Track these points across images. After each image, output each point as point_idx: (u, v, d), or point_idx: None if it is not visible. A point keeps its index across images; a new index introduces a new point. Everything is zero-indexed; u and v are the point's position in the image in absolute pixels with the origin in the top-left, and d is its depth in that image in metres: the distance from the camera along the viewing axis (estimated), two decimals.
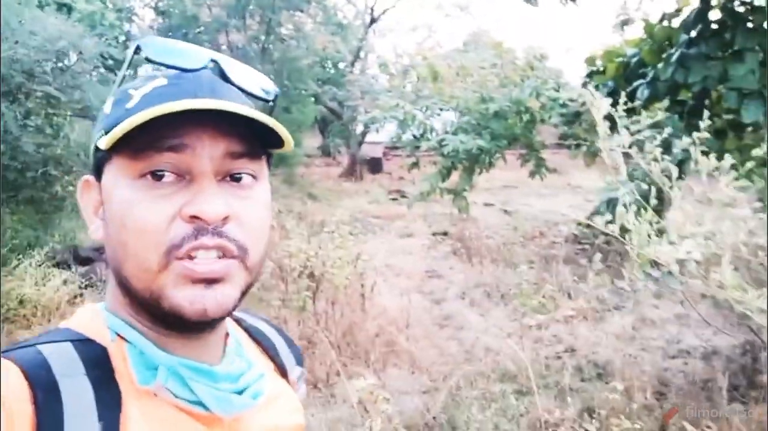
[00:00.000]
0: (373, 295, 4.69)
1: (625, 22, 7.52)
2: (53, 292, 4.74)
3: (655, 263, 2.24)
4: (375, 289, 4.74)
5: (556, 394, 3.46)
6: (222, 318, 0.58)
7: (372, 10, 16.38)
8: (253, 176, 0.59)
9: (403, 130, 8.74)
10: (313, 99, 14.81)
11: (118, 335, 0.59)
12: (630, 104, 3.27)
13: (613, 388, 2.95)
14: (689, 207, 2.10)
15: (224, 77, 0.61)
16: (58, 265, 5.35)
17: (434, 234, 7.72)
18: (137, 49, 0.59)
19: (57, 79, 6.01)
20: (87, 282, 5.06)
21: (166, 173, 0.55)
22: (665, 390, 3.47)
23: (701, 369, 3.62)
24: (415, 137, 8.24)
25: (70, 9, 11.01)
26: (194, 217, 0.54)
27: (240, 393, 0.61)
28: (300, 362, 0.78)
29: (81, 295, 4.87)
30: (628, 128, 2.55)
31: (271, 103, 0.67)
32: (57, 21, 6.82)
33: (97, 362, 0.55)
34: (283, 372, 0.75)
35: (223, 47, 10.79)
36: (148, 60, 0.60)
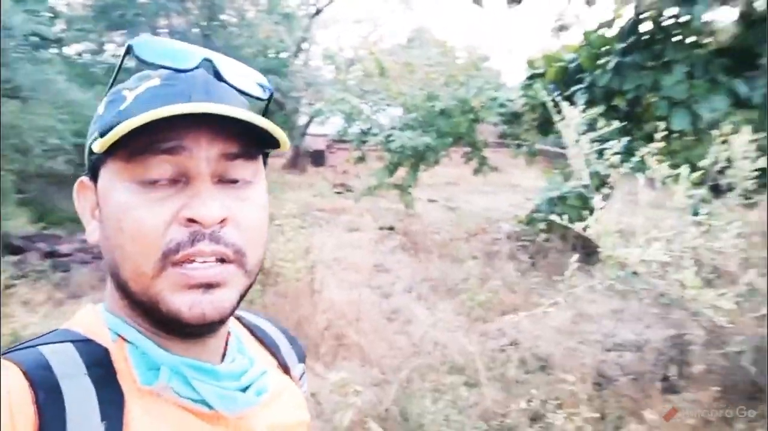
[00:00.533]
0: (322, 288, 4.70)
1: (562, 28, 7.84)
2: None
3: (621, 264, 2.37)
4: (324, 282, 4.75)
5: (503, 386, 3.60)
6: (221, 322, 0.58)
7: (316, 0, 16.24)
8: (250, 177, 0.59)
9: (350, 124, 8.74)
10: None
11: (119, 335, 0.58)
12: (587, 113, 3.43)
13: (562, 379, 3.11)
14: (652, 212, 2.26)
15: (218, 76, 0.60)
16: None
17: (381, 229, 7.79)
18: (129, 50, 0.58)
19: None
20: (20, 273, 4.79)
21: (162, 176, 0.54)
22: (602, 381, 3.68)
23: (635, 362, 3.87)
24: (362, 131, 8.26)
25: None
26: (191, 220, 0.53)
27: (244, 390, 0.62)
28: (302, 359, 0.79)
29: (13, 286, 4.60)
30: (584, 134, 2.69)
31: (265, 102, 0.67)
32: None
33: (98, 362, 0.55)
34: (285, 369, 0.75)
35: (163, 31, 10.39)
36: (140, 60, 0.58)
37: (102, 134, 0.55)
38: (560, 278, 5.20)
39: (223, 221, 0.55)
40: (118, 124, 0.52)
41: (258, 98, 0.65)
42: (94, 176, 0.59)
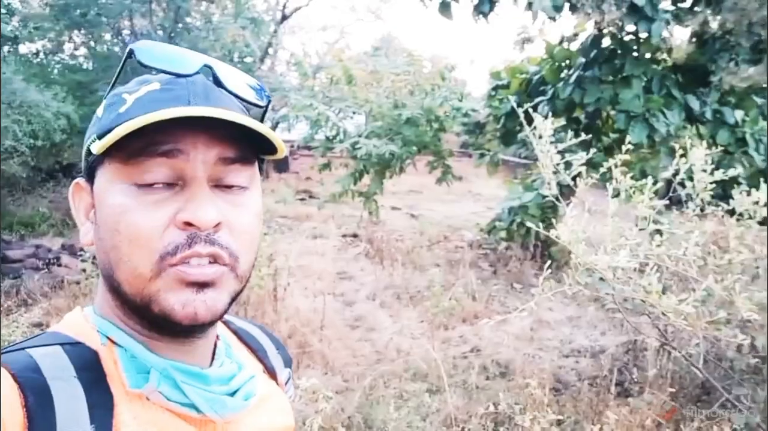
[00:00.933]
0: (285, 296, 4.67)
1: (526, 40, 8.03)
2: None
3: (588, 270, 2.44)
4: (287, 290, 4.72)
5: (465, 392, 3.64)
6: (212, 323, 0.58)
7: (284, 6, 16.18)
8: (246, 183, 0.59)
9: (315, 130, 8.73)
10: None
11: (109, 338, 0.58)
12: (555, 123, 3.50)
13: (522, 385, 3.16)
14: (618, 221, 2.35)
15: (217, 82, 0.61)
16: None
17: (344, 236, 7.79)
18: (130, 53, 0.59)
19: None
20: None
21: (159, 179, 0.55)
22: (560, 386, 3.77)
23: (591, 367, 3.97)
24: (327, 138, 8.25)
25: None
26: (188, 223, 0.54)
27: (232, 395, 0.62)
28: (288, 364, 0.80)
29: None
30: (555, 145, 2.77)
31: (263, 109, 0.68)
32: None
33: (87, 365, 0.55)
34: (272, 374, 0.75)
35: (126, 32, 10.18)
36: (141, 64, 0.59)
37: (100, 136, 0.56)
38: (520, 286, 5.30)
39: (217, 225, 0.55)
40: (117, 126, 0.53)
41: (256, 105, 0.66)
42: (90, 178, 0.59)
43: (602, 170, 2.66)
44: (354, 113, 8.95)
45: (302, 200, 11.22)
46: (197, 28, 11.15)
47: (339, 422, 3.35)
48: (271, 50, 16.24)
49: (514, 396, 3.31)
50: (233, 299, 0.59)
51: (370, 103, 8.23)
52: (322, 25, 21.95)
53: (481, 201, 11.53)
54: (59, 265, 5.97)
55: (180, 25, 10.41)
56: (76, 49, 12.25)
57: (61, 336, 0.58)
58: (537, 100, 7.12)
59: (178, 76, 0.59)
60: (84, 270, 4.83)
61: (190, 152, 0.55)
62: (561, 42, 7.47)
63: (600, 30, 6.80)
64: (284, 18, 16.21)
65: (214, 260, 0.56)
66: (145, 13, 9.96)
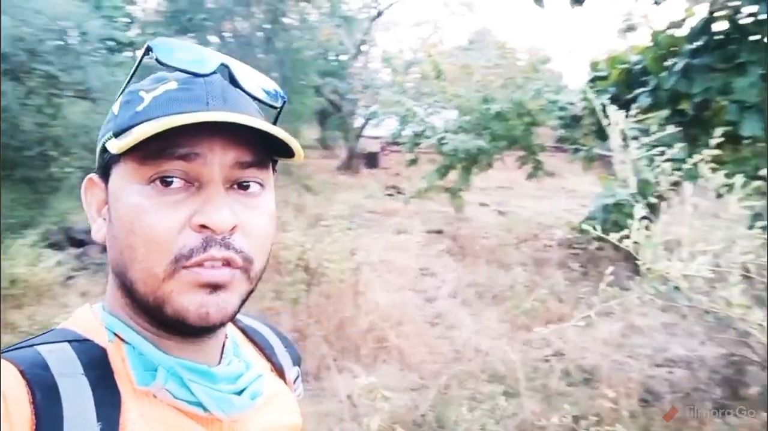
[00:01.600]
0: (366, 290, 4.71)
1: (629, 28, 7.54)
2: (46, 273, 4.73)
3: (662, 277, 2.26)
4: (368, 284, 4.76)
5: (544, 397, 3.49)
6: (222, 325, 0.58)
7: (378, 3, 16.35)
8: (261, 185, 0.59)
9: (403, 126, 8.73)
10: (313, 91, 14.78)
11: (117, 335, 0.59)
12: (639, 116, 3.26)
13: (602, 394, 2.98)
14: (698, 223, 2.14)
15: (234, 82, 0.61)
16: (51, 246, 5.34)
17: (429, 232, 7.74)
18: (148, 50, 0.59)
19: (59, 59, 5.98)
20: (81, 265, 5.05)
21: (175, 180, 0.55)
22: (650, 398, 3.51)
23: (686, 379, 3.67)
24: (415, 133, 8.23)
25: None
26: (203, 226, 0.54)
27: (239, 393, 0.62)
28: (297, 362, 0.79)
29: (73, 277, 4.86)
30: (637, 139, 2.57)
31: (278, 109, 0.67)
32: (63, 0, 6.78)
33: (95, 362, 0.55)
34: (280, 372, 0.75)
35: (228, 35, 10.73)
36: (159, 62, 0.59)
37: (116, 134, 0.57)
38: (608, 288, 4.99)
39: (233, 228, 0.55)
40: (135, 125, 0.55)
41: (271, 106, 0.66)
42: (104, 175, 0.60)
43: (685, 166, 2.42)
44: (442, 107, 8.85)
45: (390, 195, 11.28)
46: (294, 28, 11.52)
47: (411, 419, 3.33)
48: (364, 47, 16.49)
49: (597, 406, 3.13)
50: (244, 301, 0.59)
51: (459, 98, 8.10)
52: (416, 20, 21.98)
53: (575, 198, 11.01)
54: None
55: (277, 25, 10.80)
56: None
57: (69, 333, 0.58)
58: (637, 91, 6.68)
59: (196, 75, 0.59)
60: None
61: (207, 155, 0.55)
62: (668, 28, 6.93)
63: (712, 13, 6.24)
64: (378, 15, 16.39)
65: (228, 263, 0.56)
66: (246, 16, 10.43)
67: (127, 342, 0.58)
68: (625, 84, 7.24)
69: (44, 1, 6.00)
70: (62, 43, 6.35)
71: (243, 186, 0.58)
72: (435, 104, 8.92)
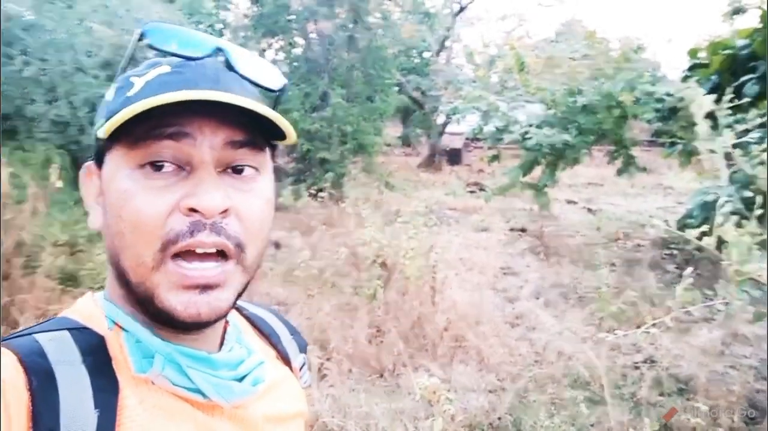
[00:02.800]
0: (444, 288, 4.63)
1: (737, 11, 6.94)
2: None
3: (754, 281, 2.04)
4: (446, 282, 4.68)
5: (632, 407, 3.28)
6: (217, 320, 0.57)
7: None
8: (256, 168, 0.58)
9: (486, 121, 8.54)
10: (396, 88, 14.86)
11: (116, 323, 0.58)
12: (735, 101, 2.98)
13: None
14: None
15: (230, 66, 0.59)
16: None
17: (512, 230, 7.52)
18: (141, 36, 0.58)
19: None
20: None
21: (166, 164, 0.54)
22: (756, 414, 3.19)
23: None
24: (497, 128, 8.03)
25: None
26: (193, 209, 0.53)
27: (240, 380, 0.61)
28: (303, 349, 0.78)
29: None
30: (731, 127, 2.33)
31: (278, 94, 0.66)
32: (160, 8, 7.20)
33: (93, 350, 0.55)
34: (285, 360, 0.74)
35: (312, 35, 10.98)
36: (152, 47, 0.58)
37: (108, 120, 0.56)
38: (712, 293, 4.63)
39: (225, 211, 0.54)
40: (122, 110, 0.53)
41: (270, 90, 0.64)
42: (99, 162, 0.60)
43: None
44: (526, 101, 8.57)
45: (472, 192, 11.10)
46: (376, 26, 11.60)
47: (488, 422, 3.24)
48: (447, 43, 16.34)
49: (693, 421, 2.89)
50: (241, 293, 0.58)
51: (543, 91, 7.81)
52: (502, 14, 21.49)
53: (671, 196, 10.33)
54: None
55: (360, 25, 10.92)
56: (276, 54, 13.57)
57: (68, 321, 0.58)
58: (743, 79, 6.12)
59: (189, 59, 0.58)
60: None
61: (197, 135, 0.54)
62: None
63: None
64: (461, 10, 16.18)
65: (221, 253, 0.54)
66: (329, 16, 10.62)
67: (125, 330, 0.58)
68: (729, 71, 6.67)
69: (143, 9, 6.40)
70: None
71: (237, 170, 0.56)
72: (518, 98, 8.66)
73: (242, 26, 12.01)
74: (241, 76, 0.60)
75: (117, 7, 6.65)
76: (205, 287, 0.54)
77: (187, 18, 9.80)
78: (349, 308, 4.43)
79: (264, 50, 13.35)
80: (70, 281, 3.95)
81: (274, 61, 14.26)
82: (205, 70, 0.57)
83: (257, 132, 0.57)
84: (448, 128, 15.67)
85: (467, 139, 15.73)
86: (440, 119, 15.59)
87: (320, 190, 7.18)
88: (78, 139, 5.78)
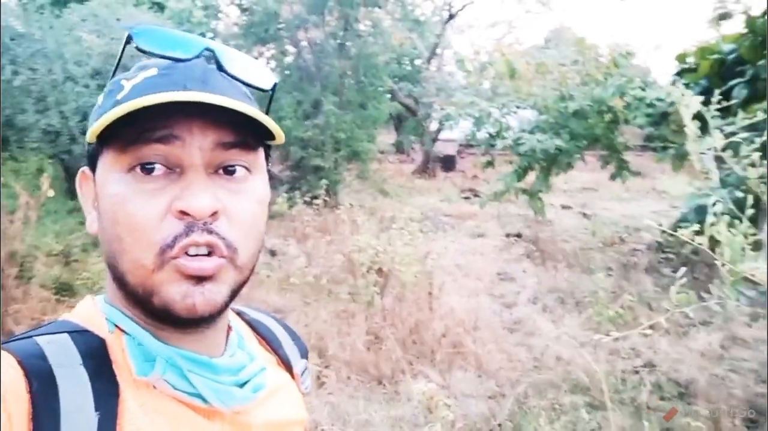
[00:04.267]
0: (441, 294, 4.62)
1: (723, 16, 7.01)
2: None
3: (749, 281, 2.04)
4: (443, 288, 4.67)
5: (632, 411, 3.26)
6: (212, 317, 0.57)
7: (450, 6, 16.22)
8: (247, 169, 0.58)
9: (478, 128, 8.56)
10: (388, 95, 14.86)
11: (117, 326, 0.58)
12: (724, 103, 2.99)
13: (706, 410, 2.74)
14: None
15: (219, 67, 0.59)
16: None
17: (507, 235, 7.52)
18: (129, 39, 0.58)
19: None
20: None
21: (156, 166, 0.54)
22: (757, 417, 3.19)
23: None
24: (490, 135, 8.04)
25: (162, 7, 11.58)
26: (183, 212, 0.53)
27: (241, 386, 0.61)
28: (305, 355, 0.78)
29: None
30: (721, 129, 2.33)
31: (270, 93, 0.66)
32: (150, 18, 7.17)
33: (94, 353, 0.55)
34: (287, 365, 0.74)
35: (303, 43, 10.97)
36: (140, 50, 0.58)
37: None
38: (709, 296, 4.64)
39: (214, 213, 0.54)
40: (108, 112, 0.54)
41: (261, 89, 0.64)
42: (93, 167, 0.59)
43: None
44: (517, 107, 8.60)
45: (467, 198, 11.11)
46: (367, 34, 11.63)
47: (488, 428, 3.21)
48: (438, 50, 16.39)
49: (693, 425, 2.87)
50: (235, 292, 0.58)
51: (535, 97, 7.84)
52: (491, 21, 21.61)
53: (665, 200, 10.38)
54: None
55: (350, 32, 10.94)
56: (267, 62, 13.58)
57: (69, 324, 0.58)
58: (732, 83, 6.18)
59: (177, 60, 0.58)
60: None
61: (186, 137, 0.54)
62: (765, 14, 6.38)
63: None
64: (450, 17, 16.26)
65: (212, 250, 0.54)
66: (318, 24, 10.63)
67: (126, 333, 0.58)
68: (717, 75, 6.74)
69: (133, 18, 6.37)
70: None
71: (228, 171, 0.56)
72: (510, 104, 8.68)
73: (232, 35, 11.98)
74: (231, 76, 0.60)
75: (106, 16, 6.63)
76: (201, 279, 0.54)
77: (176, 27, 9.78)
78: (346, 316, 4.40)
79: (255, 59, 13.33)
80: (65, 290, 3.92)
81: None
82: (193, 71, 0.57)
83: (248, 132, 0.56)
84: (442, 135, 15.69)
85: (460, 145, 15.77)
86: (433, 126, 15.61)
87: (315, 197, 7.16)
88: (69, 148, 5.73)
